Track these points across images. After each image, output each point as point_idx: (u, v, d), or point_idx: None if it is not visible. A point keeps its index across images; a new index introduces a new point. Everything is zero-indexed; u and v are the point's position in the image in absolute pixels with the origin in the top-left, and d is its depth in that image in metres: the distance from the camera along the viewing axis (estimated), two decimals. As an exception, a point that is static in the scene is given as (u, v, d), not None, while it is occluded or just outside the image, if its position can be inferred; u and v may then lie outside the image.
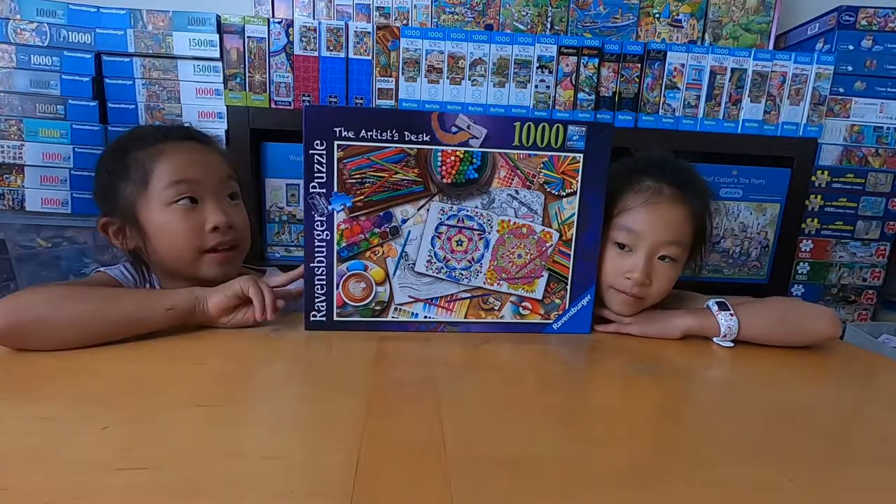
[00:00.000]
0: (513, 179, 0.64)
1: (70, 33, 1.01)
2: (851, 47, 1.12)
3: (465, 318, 0.66)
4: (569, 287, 0.67)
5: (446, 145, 0.62)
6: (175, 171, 0.65)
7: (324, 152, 0.60)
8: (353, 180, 0.61)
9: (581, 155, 0.63)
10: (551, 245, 0.66)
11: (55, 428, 0.38)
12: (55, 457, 0.35)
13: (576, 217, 0.65)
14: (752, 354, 0.63)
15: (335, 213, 0.62)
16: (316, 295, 0.63)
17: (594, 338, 0.65)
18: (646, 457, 0.39)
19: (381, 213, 0.62)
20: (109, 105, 1.04)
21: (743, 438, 0.43)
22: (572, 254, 0.66)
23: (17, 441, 0.36)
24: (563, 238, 0.66)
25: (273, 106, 1.06)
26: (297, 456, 0.36)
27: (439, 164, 0.62)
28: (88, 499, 0.31)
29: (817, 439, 0.44)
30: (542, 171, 0.64)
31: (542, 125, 0.62)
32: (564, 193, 0.65)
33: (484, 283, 0.66)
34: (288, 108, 1.06)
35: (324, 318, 0.64)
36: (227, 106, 1.05)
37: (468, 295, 0.66)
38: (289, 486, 0.32)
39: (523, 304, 0.67)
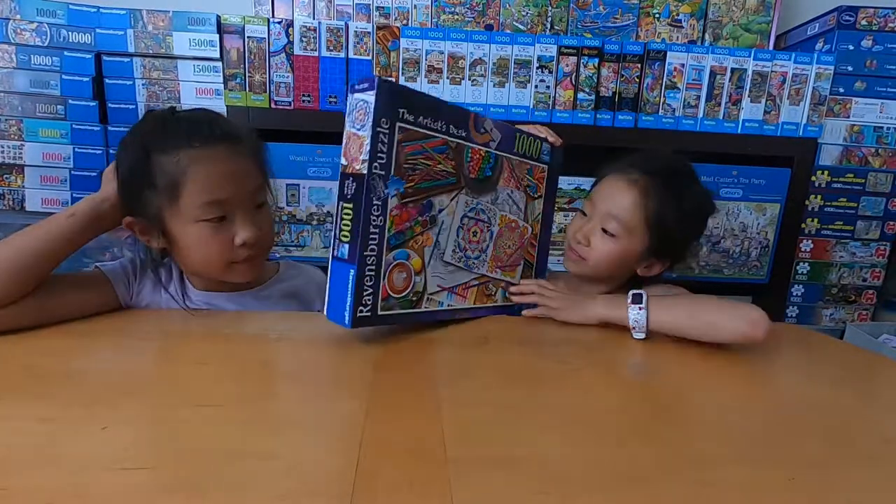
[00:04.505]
0: (510, 181, 0.72)
1: (70, 33, 1.02)
2: (851, 47, 1.12)
3: (475, 304, 0.71)
4: (533, 273, 0.79)
5: (475, 144, 0.65)
6: (208, 189, 0.62)
7: (387, 131, 0.56)
8: (408, 166, 0.59)
9: (547, 166, 0.76)
10: (527, 238, 0.77)
11: (55, 428, 0.38)
12: (55, 457, 0.35)
13: (541, 216, 0.77)
14: (752, 355, 0.63)
15: (389, 197, 0.58)
16: (365, 287, 0.57)
17: (594, 338, 0.65)
18: (646, 457, 0.39)
19: (424, 202, 0.61)
20: (109, 105, 1.04)
21: (743, 438, 0.43)
22: (538, 245, 0.78)
23: (17, 441, 0.36)
24: (534, 232, 0.77)
25: (273, 106, 1.06)
26: (296, 456, 0.36)
27: (469, 159, 0.65)
28: (88, 499, 0.31)
29: (817, 439, 0.44)
30: (526, 175, 0.74)
31: (531, 138, 0.73)
32: (536, 196, 0.76)
33: (487, 271, 0.71)
34: (288, 108, 1.06)
35: (369, 314, 0.58)
36: (227, 106, 1.05)
37: (476, 282, 0.70)
38: (288, 487, 0.32)
39: (509, 288, 0.76)
